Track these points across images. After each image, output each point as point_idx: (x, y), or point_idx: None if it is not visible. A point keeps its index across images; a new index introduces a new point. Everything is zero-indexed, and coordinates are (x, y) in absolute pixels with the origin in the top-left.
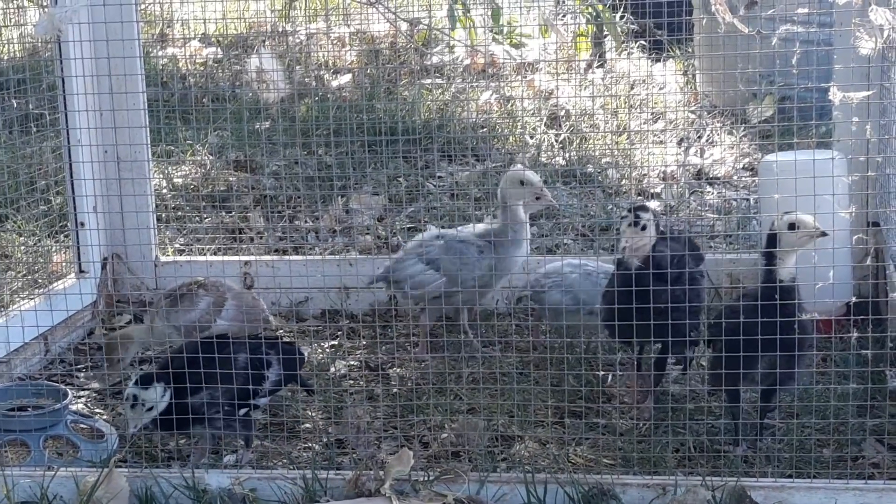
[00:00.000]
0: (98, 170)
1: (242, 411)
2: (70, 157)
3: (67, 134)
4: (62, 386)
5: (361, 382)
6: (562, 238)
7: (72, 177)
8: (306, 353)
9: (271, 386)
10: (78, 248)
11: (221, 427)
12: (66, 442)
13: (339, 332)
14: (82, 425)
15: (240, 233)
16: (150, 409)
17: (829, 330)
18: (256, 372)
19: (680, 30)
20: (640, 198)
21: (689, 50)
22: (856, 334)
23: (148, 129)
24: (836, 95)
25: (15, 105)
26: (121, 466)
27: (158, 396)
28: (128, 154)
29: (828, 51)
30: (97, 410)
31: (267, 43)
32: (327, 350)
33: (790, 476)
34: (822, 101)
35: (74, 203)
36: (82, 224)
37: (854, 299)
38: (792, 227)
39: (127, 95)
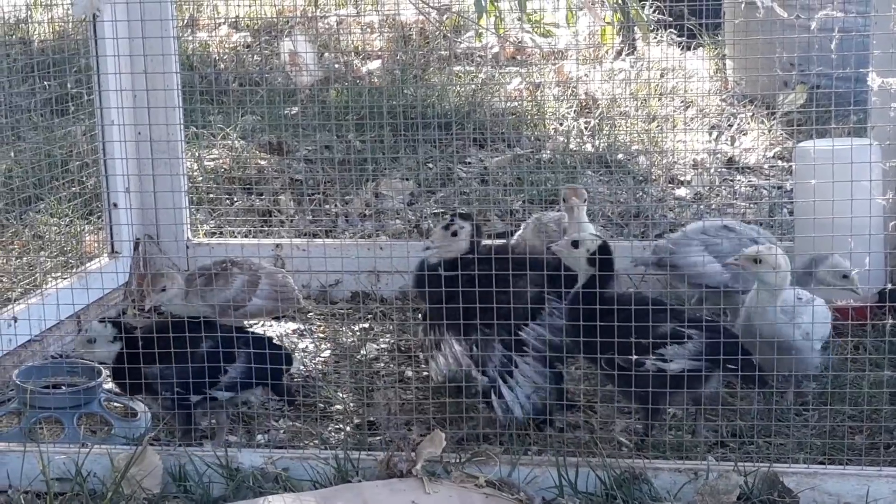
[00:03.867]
0: (131, 150)
1: (196, 398)
2: (104, 137)
3: (101, 114)
4: (96, 364)
5: (392, 365)
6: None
7: (105, 157)
8: (295, 358)
9: (229, 380)
10: (111, 229)
11: (171, 406)
12: (100, 420)
13: (370, 316)
14: (115, 403)
15: (270, 216)
16: (93, 340)
17: (864, 317)
18: (213, 365)
19: (710, 16)
20: (669, 185)
21: (720, 38)
22: (890, 321)
23: (181, 109)
24: (874, 81)
25: (47, 87)
26: (154, 444)
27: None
28: (161, 135)
29: (865, 36)
30: None
31: (298, 27)
32: (357, 333)
33: (822, 463)
34: (857, 89)
35: (108, 183)
36: (115, 205)
37: (889, 286)
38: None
39: (163, 76)
